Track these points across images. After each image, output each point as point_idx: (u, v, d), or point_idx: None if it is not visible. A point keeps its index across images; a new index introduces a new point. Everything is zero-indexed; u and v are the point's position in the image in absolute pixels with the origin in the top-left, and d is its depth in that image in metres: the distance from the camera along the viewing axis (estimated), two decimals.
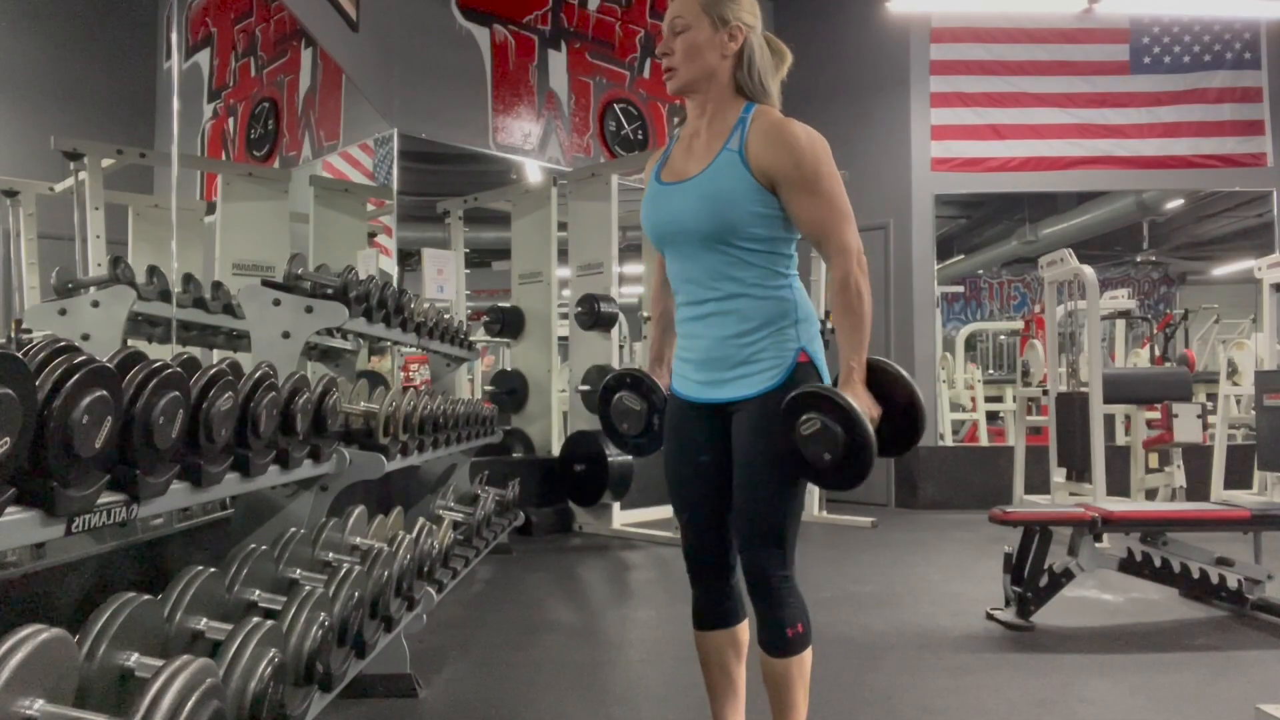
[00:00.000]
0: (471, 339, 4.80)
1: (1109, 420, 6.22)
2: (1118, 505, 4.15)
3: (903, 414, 1.70)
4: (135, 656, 1.32)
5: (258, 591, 1.81)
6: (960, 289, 13.09)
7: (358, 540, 2.36)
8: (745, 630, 1.91)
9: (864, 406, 1.61)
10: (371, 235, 6.05)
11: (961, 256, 11.80)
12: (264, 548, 1.91)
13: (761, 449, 1.72)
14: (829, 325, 1.88)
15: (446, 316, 4.08)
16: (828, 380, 1.76)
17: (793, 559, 1.77)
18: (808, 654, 1.78)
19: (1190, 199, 8.95)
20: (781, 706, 1.78)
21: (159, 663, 1.27)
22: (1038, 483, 6.17)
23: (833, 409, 1.58)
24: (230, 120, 6.31)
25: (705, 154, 1.76)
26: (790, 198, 1.70)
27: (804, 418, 1.59)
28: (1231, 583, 3.52)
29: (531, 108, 6.82)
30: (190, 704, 1.16)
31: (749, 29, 1.76)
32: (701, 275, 1.77)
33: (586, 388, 5.70)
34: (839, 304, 1.70)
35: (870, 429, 1.56)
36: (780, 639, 1.75)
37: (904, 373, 1.72)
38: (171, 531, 2.55)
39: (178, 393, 1.46)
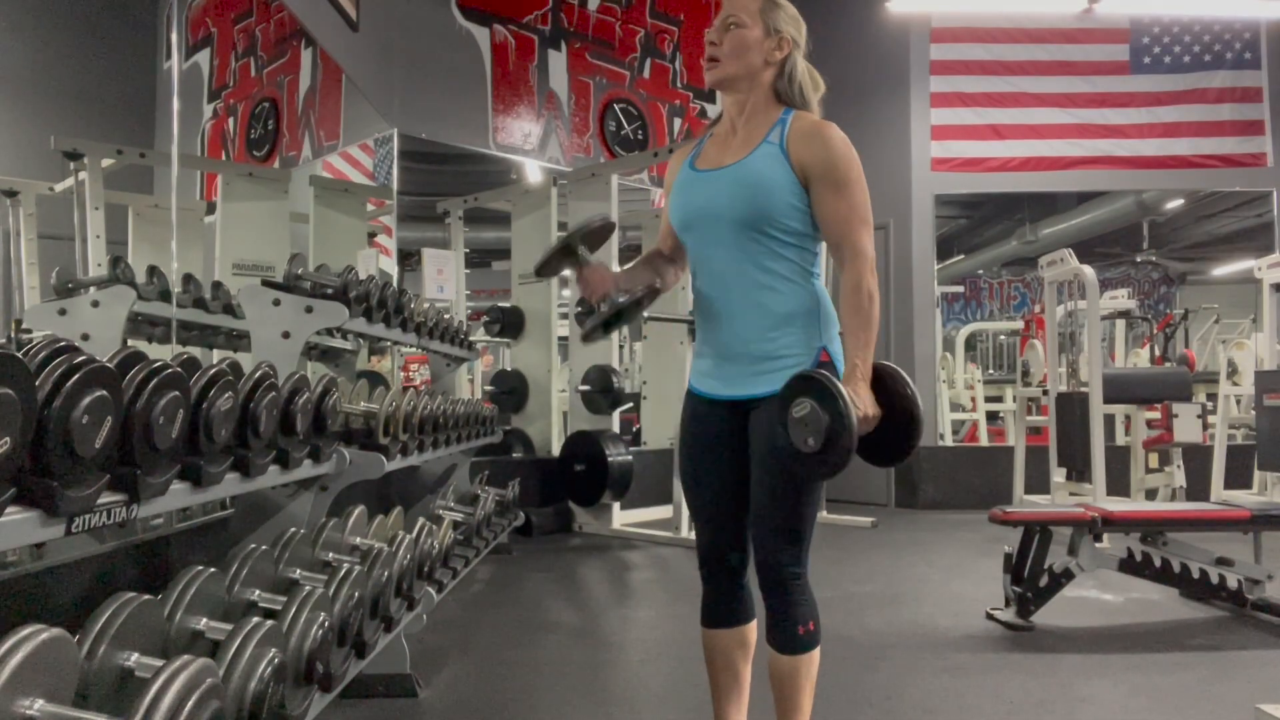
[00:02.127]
0: (471, 339, 4.80)
1: (1109, 420, 6.22)
2: (1118, 505, 4.15)
3: (901, 424, 1.69)
4: (135, 656, 1.31)
5: (258, 591, 1.81)
6: (960, 289, 13.09)
7: (358, 540, 2.36)
8: (753, 630, 1.91)
9: (862, 402, 1.62)
10: (371, 235, 6.05)
11: (961, 256, 11.80)
12: (264, 548, 1.91)
13: (776, 443, 1.72)
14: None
15: (446, 316, 4.08)
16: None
17: (807, 557, 1.78)
18: (816, 653, 1.79)
19: (1190, 199, 8.95)
20: (787, 705, 1.78)
21: (159, 663, 1.27)
22: (1038, 483, 6.17)
23: (822, 392, 1.57)
24: (230, 120, 6.31)
25: (743, 147, 1.79)
26: (819, 195, 1.73)
27: (797, 401, 1.59)
28: (1231, 583, 3.52)
29: (531, 108, 6.82)
30: (190, 704, 1.16)
31: (795, 46, 1.81)
32: (730, 263, 1.78)
33: (586, 388, 5.70)
34: (850, 304, 1.71)
35: (854, 417, 1.55)
36: (791, 637, 1.76)
37: (912, 385, 1.71)
38: (171, 531, 2.55)
39: (178, 393, 1.46)
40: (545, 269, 1.88)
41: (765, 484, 1.75)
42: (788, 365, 1.73)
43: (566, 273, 1.91)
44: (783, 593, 1.75)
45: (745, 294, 1.76)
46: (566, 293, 6.20)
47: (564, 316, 6.28)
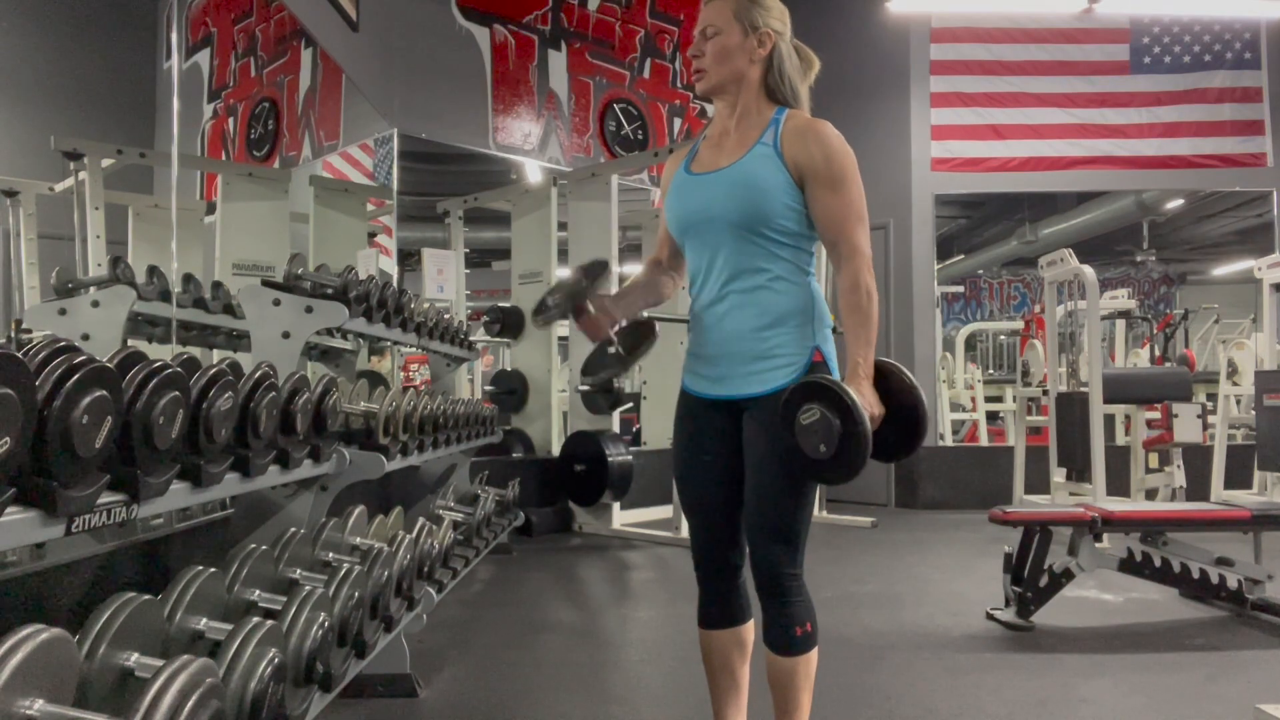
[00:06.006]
0: (471, 339, 4.80)
1: (1109, 420, 6.21)
2: (1118, 505, 4.15)
3: (905, 418, 1.71)
4: (135, 656, 1.31)
5: (258, 591, 1.81)
6: (960, 289, 13.10)
7: (358, 540, 2.36)
8: (750, 630, 1.91)
9: (866, 403, 1.62)
10: (371, 235, 6.05)
11: (961, 256, 11.81)
12: (264, 548, 1.91)
13: (775, 446, 1.72)
14: (838, 328, 1.88)
15: (446, 316, 4.08)
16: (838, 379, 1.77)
17: (802, 558, 1.78)
18: (814, 654, 1.79)
19: (1190, 199, 8.96)
20: (786, 706, 1.78)
21: (159, 663, 1.27)
22: (1038, 483, 6.17)
23: (832, 400, 1.58)
24: (230, 120, 6.32)
25: (737, 148, 1.79)
26: (815, 193, 1.73)
27: (805, 408, 1.60)
28: (1231, 583, 3.52)
29: (531, 108, 6.82)
30: (190, 704, 1.16)
31: (778, 35, 1.80)
32: (726, 265, 1.78)
33: (586, 387, 5.70)
34: (849, 303, 1.73)
35: (866, 422, 1.56)
36: (788, 638, 1.75)
37: (911, 378, 1.74)
38: (171, 531, 2.55)
39: (178, 393, 1.45)
40: (546, 317, 1.82)
41: (759, 485, 1.75)
42: (780, 364, 1.73)
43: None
44: (778, 594, 1.75)
45: (741, 294, 1.77)
46: None
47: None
